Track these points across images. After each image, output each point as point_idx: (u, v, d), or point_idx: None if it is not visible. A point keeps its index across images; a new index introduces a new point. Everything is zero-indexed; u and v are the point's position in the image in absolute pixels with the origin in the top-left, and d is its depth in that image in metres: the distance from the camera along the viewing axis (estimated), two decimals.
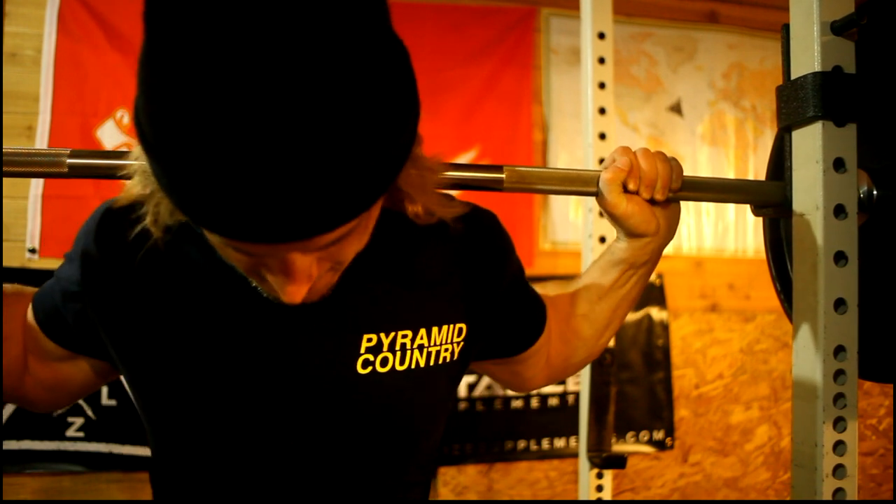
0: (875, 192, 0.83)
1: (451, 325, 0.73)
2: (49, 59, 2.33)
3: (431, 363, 0.71)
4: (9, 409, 2.20)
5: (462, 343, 0.74)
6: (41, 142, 2.29)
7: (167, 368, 0.67)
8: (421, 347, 0.71)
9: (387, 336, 0.69)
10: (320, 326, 0.68)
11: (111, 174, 0.76)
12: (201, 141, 0.44)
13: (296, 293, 0.55)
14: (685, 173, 0.83)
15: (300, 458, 0.68)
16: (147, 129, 0.48)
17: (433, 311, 0.72)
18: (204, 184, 0.46)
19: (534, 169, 0.83)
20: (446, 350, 0.73)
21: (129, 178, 0.72)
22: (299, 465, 0.68)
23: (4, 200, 2.29)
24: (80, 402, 2.25)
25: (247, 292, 0.65)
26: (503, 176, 0.81)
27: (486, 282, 0.77)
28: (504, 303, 0.80)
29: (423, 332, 0.71)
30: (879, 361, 0.84)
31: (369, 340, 0.69)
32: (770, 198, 0.89)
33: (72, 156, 0.75)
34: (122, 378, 0.73)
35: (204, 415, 0.67)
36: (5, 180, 2.25)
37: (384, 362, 0.69)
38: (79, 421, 2.25)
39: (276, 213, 0.46)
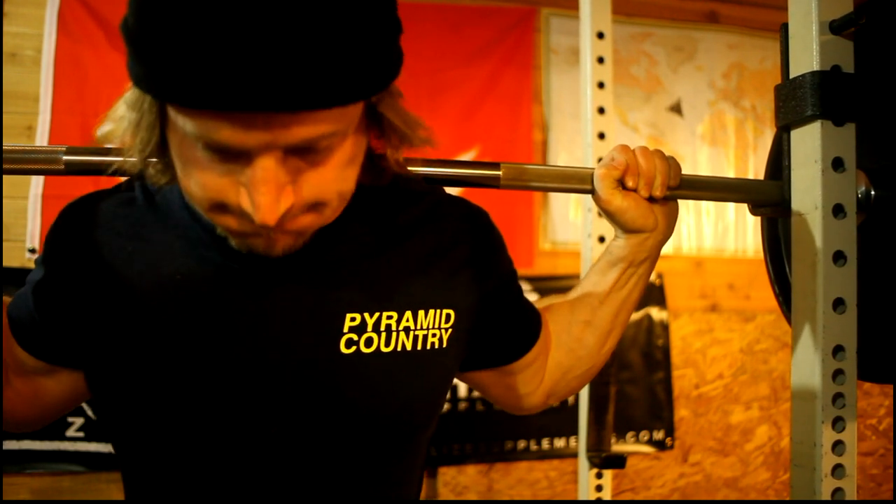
0: (873, 193, 0.83)
1: (438, 311, 0.71)
2: (49, 59, 2.33)
3: (419, 347, 0.69)
4: None
5: (450, 330, 0.72)
6: (41, 142, 2.29)
7: (137, 353, 0.64)
8: (407, 330, 0.69)
9: (371, 316, 0.67)
10: (301, 304, 0.66)
11: (114, 171, 0.76)
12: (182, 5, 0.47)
13: (269, 208, 0.53)
14: (684, 173, 0.83)
15: (281, 442, 0.65)
16: (131, 21, 0.51)
17: (419, 294, 0.70)
18: (185, 46, 0.47)
19: (530, 166, 0.83)
20: (434, 335, 0.70)
21: (126, 175, 0.71)
22: (279, 449, 0.65)
23: (4, 200, 2.29)
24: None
25: (222, 269, 0.65)
26: (500, 173, 0.82)
27: (475, 272, 0.75)
28: (495, 301, 0.78)
29: (408, 314, 0.69)
30: (878, 362, 0.84)
31: (353, 320, 0.66)
32: (768, 197, 0.89)
33: (68, 153, 0.75)
34: (90, 384, 0.70)
35: (177, 399, 0.64)
36: (5, 180, 2.25)
37: (368, 342, 0.67)
38: (79, 421, 2.25)
39: (255, 72, 0.47)
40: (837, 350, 0.79)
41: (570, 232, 2.75)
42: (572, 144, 2.77)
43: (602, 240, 1.47)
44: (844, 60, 0.80)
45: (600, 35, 1.43)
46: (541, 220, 2.74)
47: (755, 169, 2.98)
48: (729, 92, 2.97)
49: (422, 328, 0.70)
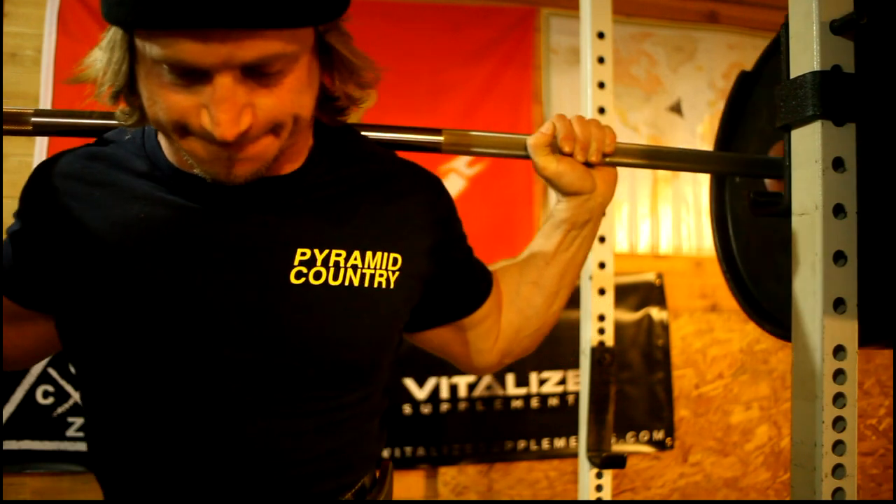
0: None
1: (385, 253, 0.76)
2: (49, 59, 2.33)
3: (366, 284, 0.74)
4: (9, 409, 2.20)
5: (397, 273, 0.77)
6: (41, 142, 2.29)
7: (103, 285, 0.69)
8: (354, 268, 0.74)
9: (321, 252, 0.72)
10: (254, 237, 0.71)
11: (77, 132, 0.82)
12: None
13: (229, 124, 0.59)
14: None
15: (233, 365, 0.70)
16: None
17: (367, 236, 0.76)
18: None
19: (471, 132, 0.90)
20: (381, 276, 0.76)
21: (94, 135, 0.79)
22: (231, 372, 0.70)
23: (4, 200, 2.29)
24: (81, 402, 2.25)
25: (182, 208, 0.71)
26: (442, 139, 0.89)
27: (424, 224, 0.81)
28: (444, 255, 0.84)
29: (356, 253, 0.74)
30: (880, 314, 0.83)
31: (303, 254, 0.72)
32: (709, 167, 0.92)
33: (37, 115, 0.80)
34: (59, 322, 0.75)
35: (139, 324, 0.69)
36: (6, 180, 2.25)
37: (317, 276, 0.72)
38: (79, 421, 2.25)
39: None
40: (838, 350, 0.79)
41: None
42: None
43: (602, 240, 1.47)
44: (845, 60, 0.80)
45: (600, 35, 1.43)
46: (541, 220, 2.74)
47: None
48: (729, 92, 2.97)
49: (369, 267, 0.75)
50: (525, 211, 2.71)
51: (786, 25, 0.85)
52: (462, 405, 2.55)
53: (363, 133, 0.85)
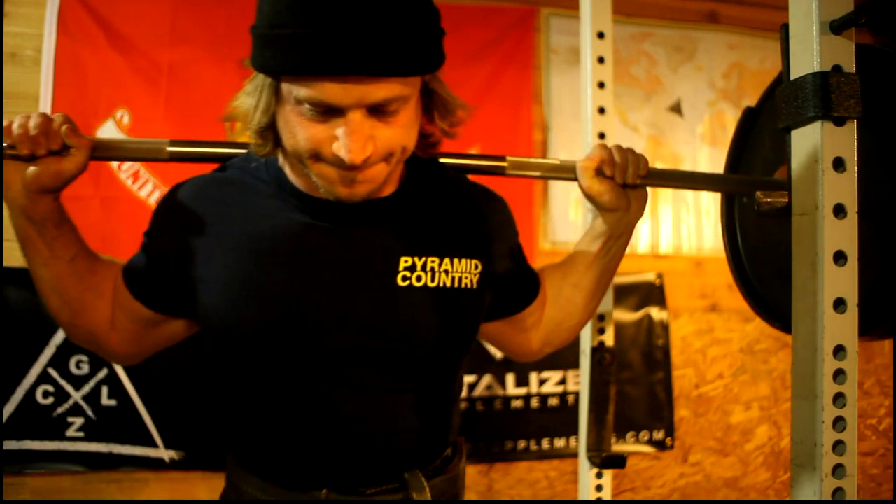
0: None
1: (469, 260, 0.91)
2: (49, 59, 2.32)
3: (456, 285, 0.90)
4: (9, 409, 2.20)
5: (479, 276, 0.93)
6: None
7: (237, 284, 0.84)
8: (446, 272, 0.89)
9: (420, 259, 0.88)
10: (367, 249, 0.86)
11: (205, 159, 0.95)
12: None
13: (358, 151, 0.73)
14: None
15: (351, 353, 0.85)
16: (262, 25, 0.73)
17: (455, 245, 0.91)
18: (307, 35, 0.69)
19: (529, 159, 1.05)
20: (466, 278, 0.91)
21: (223, 161, 0.95)
22: (350, 359, 0.85)
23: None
24: (80, 401, 2.25)
25: (308, 225, 0.85)
26: (506, 164, 1.03)
27: (495, 235, 0.97)
28: (508, 260, 1.00)
29: (447, 260, 0.89)
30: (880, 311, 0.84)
31: (406, 262, 0.87)
32: (728, 188, 0.94)
33: (171, 144, 0.93)
34: (200, 319, 0.89)
35: (276, 317, 0.83)
36: (4, 181, 2.25)
37: (418, 279, 0.87)
38: (79, 421, 2.25)
39: (354, 49, 0.69)
40: (838, 350, 0.79)
41: (570, 232, 2.75)
42: (572, 144, 2.77)
43: None
44: (845, 60, 0.80)
45: (600, 35, 1.43)
46: (541, 220, 2.74)
47: None
48: (729, 92, 2.97)
49: (457, 271, 0.90)
50: (525, 211, 2.71)
51: (785, 26, 0.85)
52: (462, 405, 2.55)
53: (441, 160, 0.99)
